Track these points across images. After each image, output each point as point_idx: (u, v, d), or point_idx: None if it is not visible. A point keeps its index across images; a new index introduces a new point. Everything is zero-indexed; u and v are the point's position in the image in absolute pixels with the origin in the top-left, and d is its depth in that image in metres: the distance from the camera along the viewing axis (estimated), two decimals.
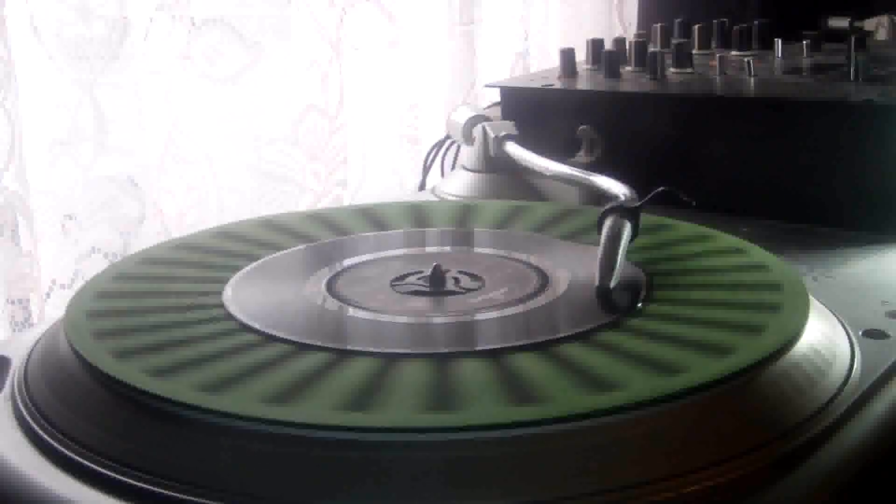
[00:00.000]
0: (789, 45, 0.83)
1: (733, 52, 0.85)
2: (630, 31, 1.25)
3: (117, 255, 0.78)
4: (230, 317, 0.44)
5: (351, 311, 0.45)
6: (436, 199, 0.69)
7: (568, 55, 0.79)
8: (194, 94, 0.83)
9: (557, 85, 0.76)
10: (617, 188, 0.55)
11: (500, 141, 0.69)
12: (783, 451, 0.35)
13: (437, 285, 0.47)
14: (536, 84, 0.76)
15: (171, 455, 0.35)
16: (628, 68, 0.79)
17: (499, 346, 0.40)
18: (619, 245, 0.48)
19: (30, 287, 0.71)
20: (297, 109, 0.91)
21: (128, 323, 0.44)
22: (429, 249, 0.55)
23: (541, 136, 0.70)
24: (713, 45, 0.89)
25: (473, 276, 0.48)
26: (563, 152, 0.69)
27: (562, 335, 0.41)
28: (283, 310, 0.46)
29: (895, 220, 0.60)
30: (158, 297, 0.47)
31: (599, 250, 0.47)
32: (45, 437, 0.37)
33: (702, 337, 0.41)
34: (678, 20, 0.90)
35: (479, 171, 0.70)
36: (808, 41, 0.83)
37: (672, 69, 0.77)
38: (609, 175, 0.58)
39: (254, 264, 0.51)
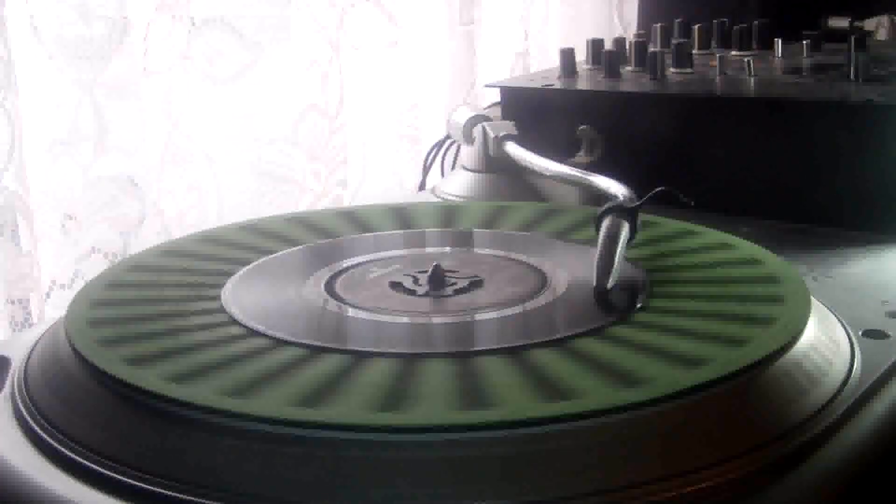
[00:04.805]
0: (789, 45, 0.83)
1: (733, 52, 0.85)
2: (630, 31, 1.25)
3: (117, 256, 0.78)
4: (231, 318, 0.44)
5: (346, 311, 0.45)
6: (436, 199, 0.69)
7: (568, 55, 0.79)
8: (194, 94, 0.83)
9: (557, 85, 0.76)
10: (616, 188, 0.55)
11: (500, 141, 0.69)
12: (783, 451, 0.35)
13: (436, 285, 0.47)
14: (536, 84, 0.76)
15: (171, 455, 0.35)
16: (628, 68, 0.79)
17: (498, 347, 0.40)
18: (616, 245, 0.48)
19: (30, 287, 0.71)
20: (297, 109, 0.91)
21: (128, 322, 0.44)
22: (429, 250, 0.55)
23: (541, 136, 0.70)
24: (713, 45, 0.89)
25: (473, 277, 0.48)
26: (563, 152, 0.69)
27: (562, 336, 0.41)
28: (284, 311, 0.46)
29: (895, 220, 0.60)
30: (159, 296, 0.47)
31: (597, 251, 0.47)
32: (45, 437, 0.37)
33: (702, 337, 0.41)
34: (678, 20, 0.90)
35: (479, 171, 0.70)
36: (808, 41, 0.83)
37: (672, 69, 0.77)
38: (609, 175, 0.58)
39: (252, 265, 0.51)
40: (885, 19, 1.01)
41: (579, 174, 0.61)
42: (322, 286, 0.48)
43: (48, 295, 0.75)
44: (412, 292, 0.47)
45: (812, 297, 0.44)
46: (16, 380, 0.42)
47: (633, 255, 0.49)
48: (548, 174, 0.64)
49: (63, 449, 0.37)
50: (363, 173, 1.00)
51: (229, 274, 0.49)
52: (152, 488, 0.34)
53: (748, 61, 0.74)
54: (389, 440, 0.34)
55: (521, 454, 0.34)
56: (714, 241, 0.52)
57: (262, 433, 0.34)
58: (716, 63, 0.76)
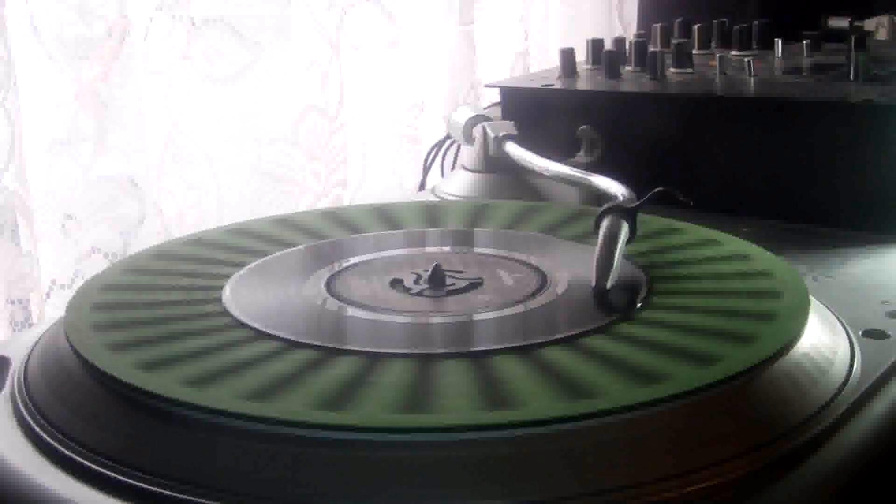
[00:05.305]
0: (789, 45, 0.83)
1: (733, 52, 0.85)
2: (630, 31, 1.25)
3: (117, 255, 0.78)
4: (231, 317, 0.44)
5: (351, 311, 0.45)
6: (436, 199, 0.69)
7: (568, 55, 0.79)
8: (194, 94, 0.83)
9: (557, 85, 0.76)
10: (615, 188, 0.55)
11: (500, 141, 0.69)
12: (783, 451, 0.35)
13: (437, 285, 0.47)
14: (536, 84, 0.76)
15: (171, 455, 0.35)
16: (628, 68, 0.79)
17: (499, 347, 0.40)
18: (616, 245, 0.48)
19: (30, 287, 0.71)
20: (297, 109, 0.91)
21: (128, 322, 0.44)
22: (429, 249, 0.55)
23: (541, 136, 0.70)
24: (713, 45, 0.89)
25: (473, 276, 0.48)
26: (563, 152, 0.69)
27: (562, 336, 0.41)
28: (283, 309, 0.46)
29: (895, 220, 0.60)
30: (159, 295, 0.47)
31: (596, 251, 0.47)
32: (45, 437, 0.38)
33: (702, 337, 0.41)
34: (678, 20, 0.90)
35: (479, 171, 0.70)
36: (808, 41, 0.83)
37: (672, 69, 0.77)
38: (608, 175, 0.58)
39: (252, 264, 0.51)
40: (885, 19, 1.01)
41: (579, 174, 0.61)
42: (323, 287, 0.48)
43: (48, 295, 0.75)
44: (415, 293, 0.47)
45: (812, 297, 0.44)
46: (16, 380, 0.42)
47: (635, 257, 0.49)
48: (548, 174, 0.64)
49: (63, 449, 0.37)
50: (363, 173, 1.00)
51: (225, 276, 0.49)
52: (152, 488, 0.34)
53: (748, 61, 0.74)
54: (408, 440, 0.34)
55: (521, 454, 0.34)
56: (699, 237, 0.52)
57: (261, 432, 0.34)
58: (716, 63, 0.76)
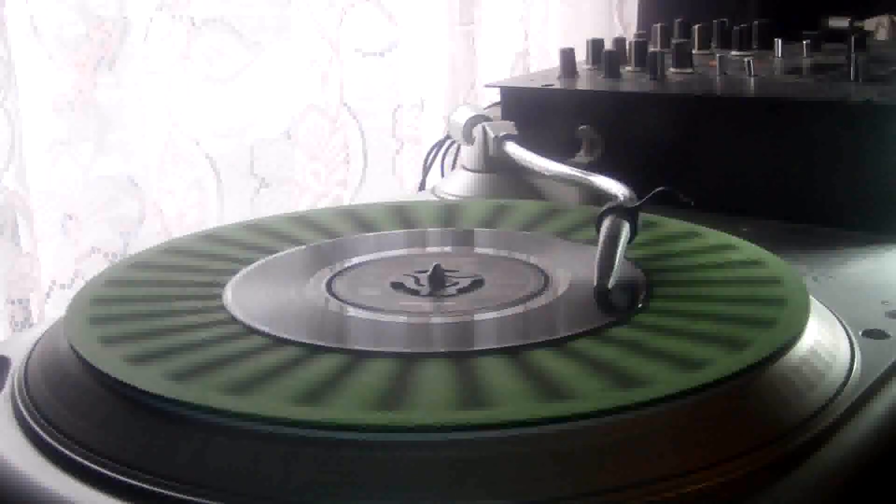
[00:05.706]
0: (789, 45, 0.83)
1: (733, 52, 0.85)
2: (630, 31, 1.25)
3: (117, 255, 0.78)
4: (232, 319, 0.44)
5: (352, 312, 0.45)
6: (436, 199, 0.69)
7: (568, 55, 0.79)
8: (194, 93, 0.83)
9: (557, 85, 0.76)
10: (616, 188, 0.55)
11: (500, 141, 0.69)
12: (783, 451, 0.35)
13: (437, 285, 0.47)
14: (536, 84, 0.76)
15: (171, 455, 0.35)
16: (628, 68, 0.79)
17: (499, 346, 0.40)
18: (617, 245, 0.48)
19: (30, 287, 0.71)
20: (296, 109, 0.91)
21: (128, 322, 0.44)
22: (429, 249, 0.55)
23: (541, 136, 0.70)
24: (713, 45, 0.89)
25: (473, 276, 0.48)
26: (563, 152, 0.69)
27: (562, 335, 0.41)
28: (284, 311, 0.46)
29: (895, 220, 0.60)
30: (159, 296, 0.47)
31: (597, 251, 0.47)
32: (45, 437, 0.38)
33: (702, 338, 0.41)
34: (678, 20, 0.90)
35: (479, 171, 0.70)
36: (808, 41, 0.83)
37: (672, 69, 0.77)
38: (609, 175, 0.58)
39: (253, 265, 0.51)
40: (885, 19, 1.01)
41: (579, 174, 0.61)
42: (323, 286, 0.48)
43: (48, 295, 0.75)
44: (413, 292, 0.47)
45: (812, 297, 0.44)
46: (16, 380, 0.42)
47: (634, 255, 0.49)
48: (548, 174, 0.64)
49: (63, 449, 0.37)
50: (363, 173, 1.00)
51: (232, 273, 0.49)
52: (152, 488, 0.34)
53: (748, 61, 0.74)
54: (386, 440, 0.34)
55: (520, 454, 0.34)
56: (717, 242, 0.52)
57: (259, 432, 0.34)
58: (716, 63, 0.76)
